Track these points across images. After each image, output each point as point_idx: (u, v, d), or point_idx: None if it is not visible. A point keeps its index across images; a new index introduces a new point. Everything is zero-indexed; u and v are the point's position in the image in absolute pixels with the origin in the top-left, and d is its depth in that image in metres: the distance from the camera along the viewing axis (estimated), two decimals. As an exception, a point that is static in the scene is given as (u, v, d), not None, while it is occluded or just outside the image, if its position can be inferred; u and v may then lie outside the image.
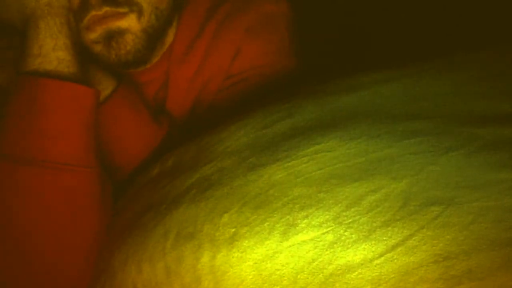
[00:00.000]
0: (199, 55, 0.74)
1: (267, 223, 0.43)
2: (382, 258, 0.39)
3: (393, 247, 0.39)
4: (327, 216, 0.42)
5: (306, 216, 0.43)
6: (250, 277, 0.41)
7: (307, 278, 0.39)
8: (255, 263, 0.42)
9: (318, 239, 0.41)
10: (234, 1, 0.76)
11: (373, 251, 0.39)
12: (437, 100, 0.53)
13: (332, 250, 0.40)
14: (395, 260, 0.38)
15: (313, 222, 0.42)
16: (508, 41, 0.62)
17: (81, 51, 0.60)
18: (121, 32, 0.65)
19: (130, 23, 0.65)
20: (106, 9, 0.63)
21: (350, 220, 0.41)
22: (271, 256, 0.41)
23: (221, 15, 0.75)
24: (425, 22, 0.93)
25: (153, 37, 0.68)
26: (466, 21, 0.89)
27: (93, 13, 0.63)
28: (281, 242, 0.42)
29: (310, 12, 0.92)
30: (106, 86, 0.66)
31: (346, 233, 0.41)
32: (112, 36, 0.65)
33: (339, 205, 0.43)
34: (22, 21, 0.59)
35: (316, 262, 0.40)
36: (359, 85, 0.57)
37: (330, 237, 0.41)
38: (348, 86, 0.58)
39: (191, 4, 0.75)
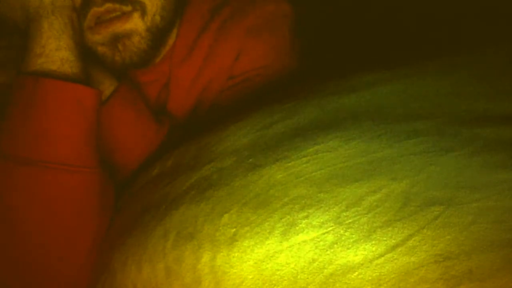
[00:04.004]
0: (201, 56, 0.74)
1: (267, 223, 0.43)
2: (383, 258, 0.39)
3: (394, 247, 0.39)
4: (327, 216, 0.42)
5: (307, 216, 0.43)
6: (251, 277, 0.41)
7: (308, 278, 0.39)
8: (256, 263, 0.42)
9: (319, 239, 0.41)
10: (236, 3, 0.76)
11: (373, 251, 0.39)
12: (437, 100, 0.53)
13: (332, 250, 0.40)
14: (396, 260, 0.38)
15: (313, 222, 0.42)
16: (508, 41, 0.62)
17: (84, 50, 0.60)
18: (127, 35, 0.65)
19: (135, 24, 0.65)
20: (108, 5, 0.63)
21: (350, 220, 0.41)
22: (272, 256, 0.41)
23: (223, 15, 0.75)
24: (425, 22, 0.93)
25: (157, 37, 0.68)
26: (466, 21, 0.89)
27: (95, 9, 0.63)
28: (281, 242, 0.42)
29: (311, 12, 0.92)
30: (107, 86, 0.66)
31: (346, 233, 0.41)
32: (118, 39, 0.65)
33: (340, 205, 0.43)
34: (25, 20, 0.59)
35: (316, 262, 0.40)
36: (359, 85, 0.57)
37: (330, 237, 0.41)
38: (348, 86, 0.58)
39: (193, 5, 0.75)
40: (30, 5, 0.58)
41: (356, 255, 0.39)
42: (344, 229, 0.41)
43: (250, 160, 0.50)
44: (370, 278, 0.38)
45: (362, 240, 0.40)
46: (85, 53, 0.61)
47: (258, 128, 0.54)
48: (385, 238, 0.40)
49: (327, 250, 0.40)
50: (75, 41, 0.59)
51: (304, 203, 0.44)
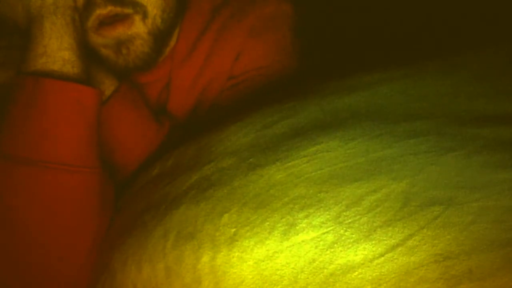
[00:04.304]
0: (201, 56, 0.74)
1: (268, 223, 0.43)
2: (383, 258, 0.39)
3: (394, 247, 0.39)
4: (328, 216, 0.42)
5: (307, 216, 0.43)
6: (251, 277, 0.41)
7: (308, 278, 0.39)
8: (256, 263, 0.42)
9: (319, 239, 0.41)
10: (236, 3, 0.76)
11: (373, 251, 0.39)
12: (437, 100, 0.53)
13: (332, 250, 0.40)
14: (396, 260, 0.38)
15: (313, 222, 0.42)
16: (508, 41, 0.62)
17: (85, 50, 0.60)
18: (130, 39, 0.65)
19: (137, 28, 0.65)
20: (110, 8, 0.63)
21: (350, 220, 0.41)
22: (272, 256, 0.41)
23: (223, 16, 0.75)
24: (425, 22, 0.93)
25: (159, 39, 0.68)
26: (466, 21, 0.89)
27: (98, 12, 0.63)
28: (281, 242, 0.42)
29: (311, 12, 0.92)
30: (108, 86, 0.66)
31: (346, 233, 0.41)
32: (122, 43, 0.65)
33: (340, 205, 0.43)
34: (27, 20, 0.59)
35: (316, 262, 0.40)
36: (359, 85, 0.57)
37: (330, 237, 0.41)
38: (348, 86, 0.58)
39: (193, 6, 0.75)
40: (32, 5, 0.58)
41: (356, 255, 0.39)
42: (344, 229, 0.41)
43: (250, 160, 0.50)
44: (370, 277, 0.38)
45: (362, 240, 0.40)
46: (86, 53, 0.61)
47: (258, 128, 0.54)
48: (385, 238, 0.40)
49: (327, 250, 0.40)
50: (77, 41, 0.59)
51: (304, 203, 0.44)
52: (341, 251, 0.40)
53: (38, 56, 0.57)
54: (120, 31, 0.64)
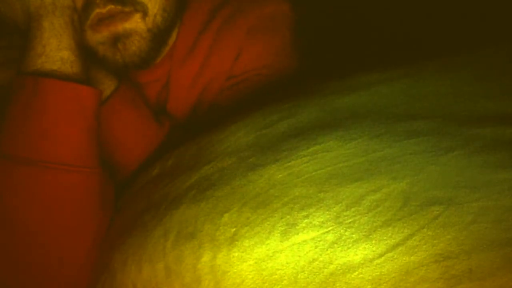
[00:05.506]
0: (201, 56, 0.74)
1: (268, 222, 0.43)
2: (383, 258, 0.39)
3: (394, 247, 0.39)
4: (328, 216, 0.42)
5: (307, 216, 0.43)
6: (251, 276, 0.42)
7: (308, 278, 0.39)
8: (256, 262, 0.42)
9: (319, 239, 0.41)
10: (236, 3, 0.76)
11: (373, 251, 0.39)
12: (437, 100, 0.53)
13: (332, 249, 0.40)
14: (396, 260, 0.38)
15: (313, 222, 0.42)
16: (508, 41, 0.63)
17: (84, 50, 0.60)
18: (127, 34, 0.65)
19: (135, 24, 0.65)
20: (110, 6, 0.63)
21: (350, 220, 0.41)
22: (272, 256, 0.42)
23: (223, 16, 0.75)
24: (425, 22, 0.93)
25: (158, 38, 0.68)
26: (466, 21, 0.89)
27: (97, 10, 0.63)
28: (281, 241, 0.42)
29: (311, 12, 0.92)
30: (108, 86, 0.66)
31: (346, 233, 0.41)
32: (118, 38, 0.65)
33: (340, 205, 0.43)
34: (26, 20, 0.59)
35: (316, 262, 0.40)
36: (359, 85, 0.57)
37: (330, 237, 0.41)
38: (348, 86, 0.58)
39: (193, 5, 0.75)
40: (31, 5, 0.58)
41: (356, 255, 0.39)
42: (344, 228, 0.41)
43: (250, 160, 0.50)
44: (370, 277, 0.38)
45: (362, 240, 0.40)
46: (86, 53, 0.61)
47: (258, 128, 0.54)
48: (385, 238, 0.40)
49: (327, 250, 0.40)
50: (76, 41, 0.59)
51: (304, 203, 0.44)
52: (341, 251, 0.40)
53: (37, 56, 0.57)
54: (117, 25, 0.64)
